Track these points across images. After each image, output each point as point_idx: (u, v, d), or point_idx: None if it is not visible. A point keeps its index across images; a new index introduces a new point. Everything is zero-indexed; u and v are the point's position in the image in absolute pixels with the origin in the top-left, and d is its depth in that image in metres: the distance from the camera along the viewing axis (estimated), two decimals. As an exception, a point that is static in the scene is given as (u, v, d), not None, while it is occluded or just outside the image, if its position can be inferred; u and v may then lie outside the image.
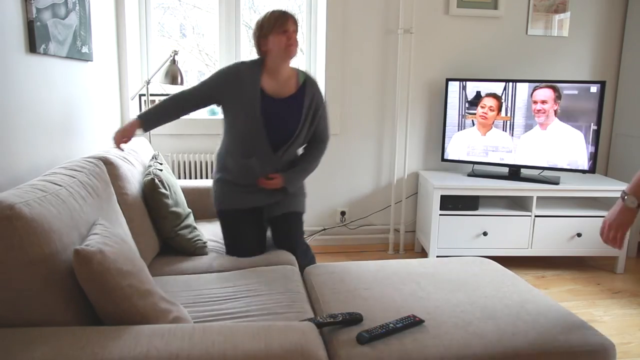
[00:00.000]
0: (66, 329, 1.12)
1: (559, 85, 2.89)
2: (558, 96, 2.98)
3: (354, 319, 1.40)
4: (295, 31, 1.98)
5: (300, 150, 2.18)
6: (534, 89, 3.00)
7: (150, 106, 2.00)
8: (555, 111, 2.98)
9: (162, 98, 3.12)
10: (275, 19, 1.94)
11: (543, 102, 2.98)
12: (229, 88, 1.97)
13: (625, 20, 3.31)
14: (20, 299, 1.12)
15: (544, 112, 3.00)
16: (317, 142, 2.16)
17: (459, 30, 3.21)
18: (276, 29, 1.93)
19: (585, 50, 3.34)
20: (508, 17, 3.23)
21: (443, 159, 3.17)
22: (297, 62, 3.41)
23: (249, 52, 3.36)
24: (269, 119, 1.97)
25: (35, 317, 1.13)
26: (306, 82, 2.06)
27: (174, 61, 2.80)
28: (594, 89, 2.83)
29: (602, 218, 2.94)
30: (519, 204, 3.13)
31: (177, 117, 2.05)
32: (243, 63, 2.01)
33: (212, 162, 3.05)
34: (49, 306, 1.14)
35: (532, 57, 3.30)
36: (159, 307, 1.24)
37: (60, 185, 1.35)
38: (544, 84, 2.93)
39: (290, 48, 1.95)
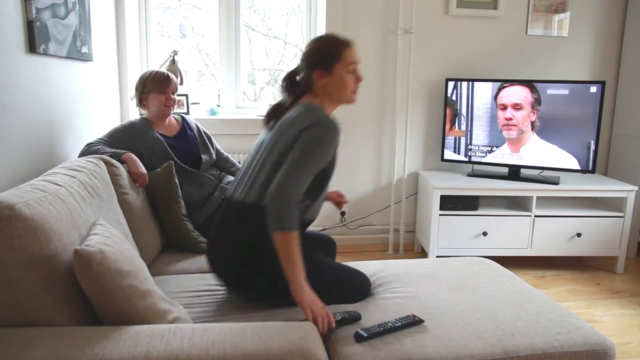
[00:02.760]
0: (66, 329, 1.12)
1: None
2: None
3: (352, 318, 1.40)
4: (174, 92, 2.30)
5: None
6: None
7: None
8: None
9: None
10: (159, 81, 2.24)
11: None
12: (132, 137, 2.18)
13: (625, 20, 3.31)
14: (20, 299, 1.12)
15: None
16: (226, 159, 2.50)
17: (459, 30, 3.21)
18: (157, 90, 2.23)
19: (585, 50, 3.34)
20: (508, 17, 3.23)
21: (443, 159, 3.17)
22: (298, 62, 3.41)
23: (248, 52, 3.36)
24: (175, 152, 2.23)
25: (35, 317, 1.13)
26: (184, 118, 2.42)
27: (173, 61, 2.80)
28: (593, 89, 2.83)
29: (602, 218, 2.94)
30: (518, 204, 3.13)
31: None
32: (132, 121, 2.26)
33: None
34: (48, 306, 1.13)
35: (532, 57, 3.30)
36: (159, 308, 1.24)
37: (60, 186, 1.35)
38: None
39: (166, 108, 2.27)
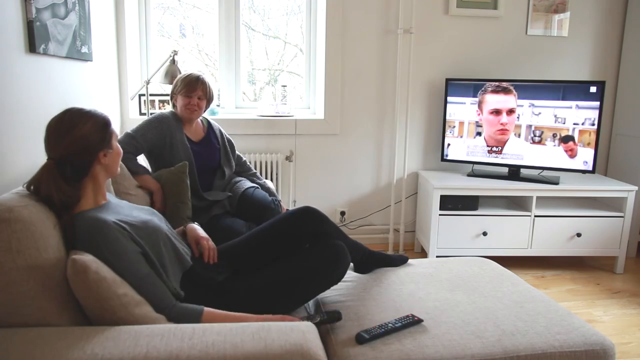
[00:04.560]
0: (66, 329, 1.12)
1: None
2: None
3: (332, 318, 1.40)
4: (202, 98, 2.23)
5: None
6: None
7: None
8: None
9: (162, 98, 3.11)
10: (186, 84, 2.20)
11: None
12: (163, 134, 2.16)
13: (625, 20, 3.31)
14: (17, 302, 1.11)
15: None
16: (243, 164, 2.50)
17: (459, 30, 3.21)
18: (183, 92, 2.20)
19: (585, 50, 3.33)
20: (508, 17, 3.23)
21: (443, 159, 3.17)
22: (298, 62, 3.41)
23: (248, 52, 3.36)
24: (197, 158, 2.21)
25: (32, 320, 1.13)
26: (210, 123, 2.40)
27: (173, 61, 2.79)
28: (593, 89, 2.83)
29: (602, 218, 2.94)
30: (518, 204, 3.13)
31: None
32: (165, 114, 2.22)
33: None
34: (45, 309, 1.13)
35: (532, 57, 3.30)
36: (156, 315, 1.24)
37: (60, 186, 1.35)
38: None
39: (188, 112, 2.21)
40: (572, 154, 2.90)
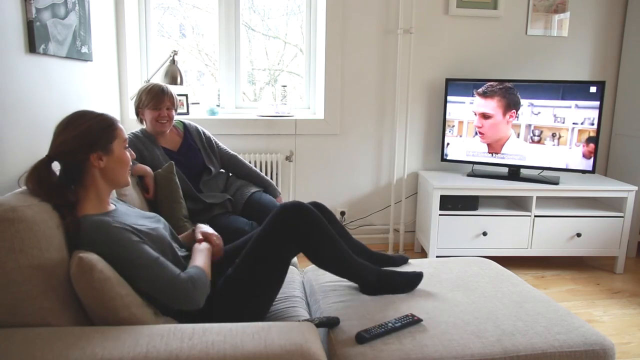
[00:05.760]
0: (66, 329, 1.12)
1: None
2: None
3: (330, 322, 1.41)
4: (170, 108, 2.19)
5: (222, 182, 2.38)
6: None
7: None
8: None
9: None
10: (153, 96, 2.14)
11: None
12: (140, 151, 2.15)
13: (625, 20, 3.31)
14: (18, 302, 1.11)
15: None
16: (237, 162, 2.42)
17: (459, 30, 3.21)
18: (150, 106, 2.15)
19: (585, 50, 3.33)
20: (508, 17, 3.23)
21: (443, 159, 3.17)
22: (298, 62, 3.41)
23: (248, 52, 3.36)
24: (180, 166, 2.18)
25: (32, 320, 1.13)
26: (185, 126, 2.35)
27: (173, 61, 2.79)
28: (593, 89, 2.83)
29: (602, 218, 2.94)
30: (518, 204, 3.13)
31: None
32: (136, 134, 2.21)
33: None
34: (46, 309, 1.13)
35: (532, 57, 3.30)
36: (157, 317, 1.25)
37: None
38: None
39: (160, 125, 2.17)
40: (589, 155, 2.89)
